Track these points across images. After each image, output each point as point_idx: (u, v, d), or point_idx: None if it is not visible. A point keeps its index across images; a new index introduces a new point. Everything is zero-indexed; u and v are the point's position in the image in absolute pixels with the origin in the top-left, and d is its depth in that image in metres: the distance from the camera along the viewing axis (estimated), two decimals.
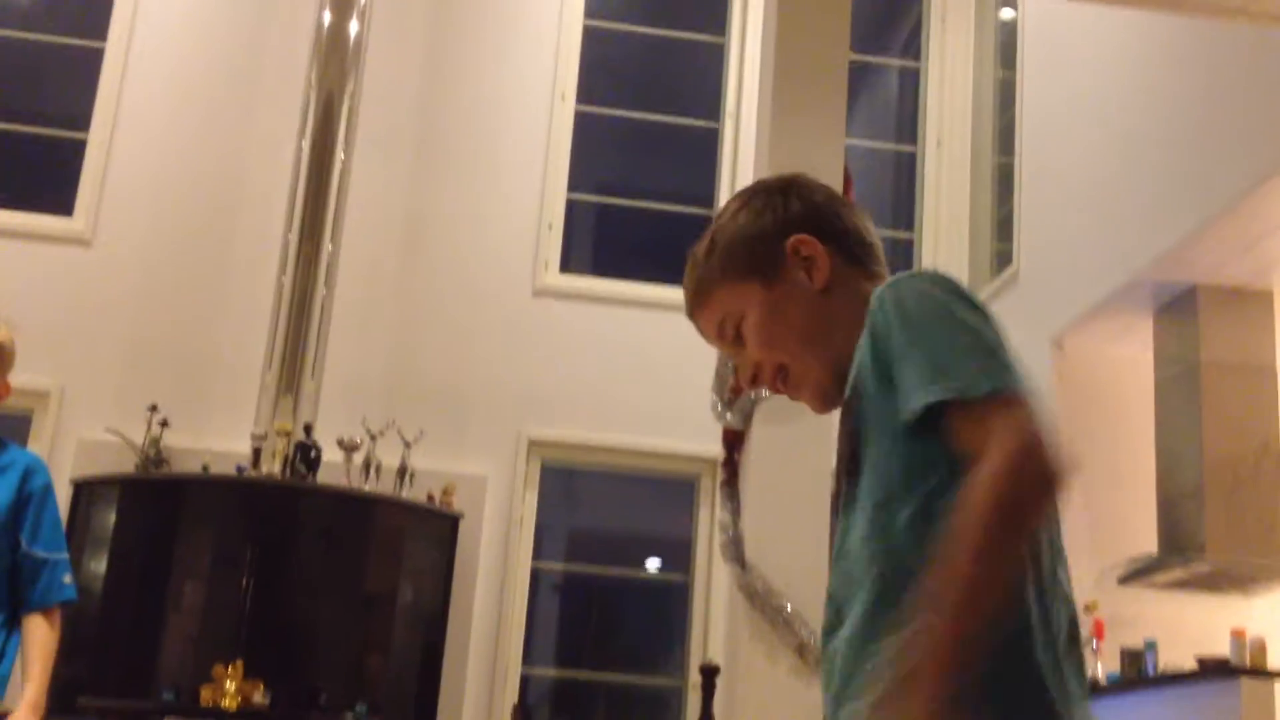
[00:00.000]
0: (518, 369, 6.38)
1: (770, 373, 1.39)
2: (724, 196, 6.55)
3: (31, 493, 2.53)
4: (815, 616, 2.96)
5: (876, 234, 1.44)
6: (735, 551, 3.01)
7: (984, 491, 1.15)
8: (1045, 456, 1.16)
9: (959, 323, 1.24)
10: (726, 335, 1.41)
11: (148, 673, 5.00)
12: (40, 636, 2.47)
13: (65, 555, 2.52)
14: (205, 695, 4.74)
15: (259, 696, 4.83)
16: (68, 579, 2.52)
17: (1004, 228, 6.55)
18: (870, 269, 1.41)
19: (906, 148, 7.20)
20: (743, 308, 1.39)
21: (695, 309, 1.44)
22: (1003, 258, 6.50)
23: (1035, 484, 1.16)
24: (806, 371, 1.39)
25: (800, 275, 1.38)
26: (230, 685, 4.77)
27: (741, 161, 6.64)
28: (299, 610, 5.46)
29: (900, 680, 1.15)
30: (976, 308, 1.26)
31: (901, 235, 7.03)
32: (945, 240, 6.87)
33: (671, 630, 6.67)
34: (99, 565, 5.00)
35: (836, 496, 1.33)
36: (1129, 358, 5.46)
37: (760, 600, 2.95)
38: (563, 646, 6.90)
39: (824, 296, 1.38)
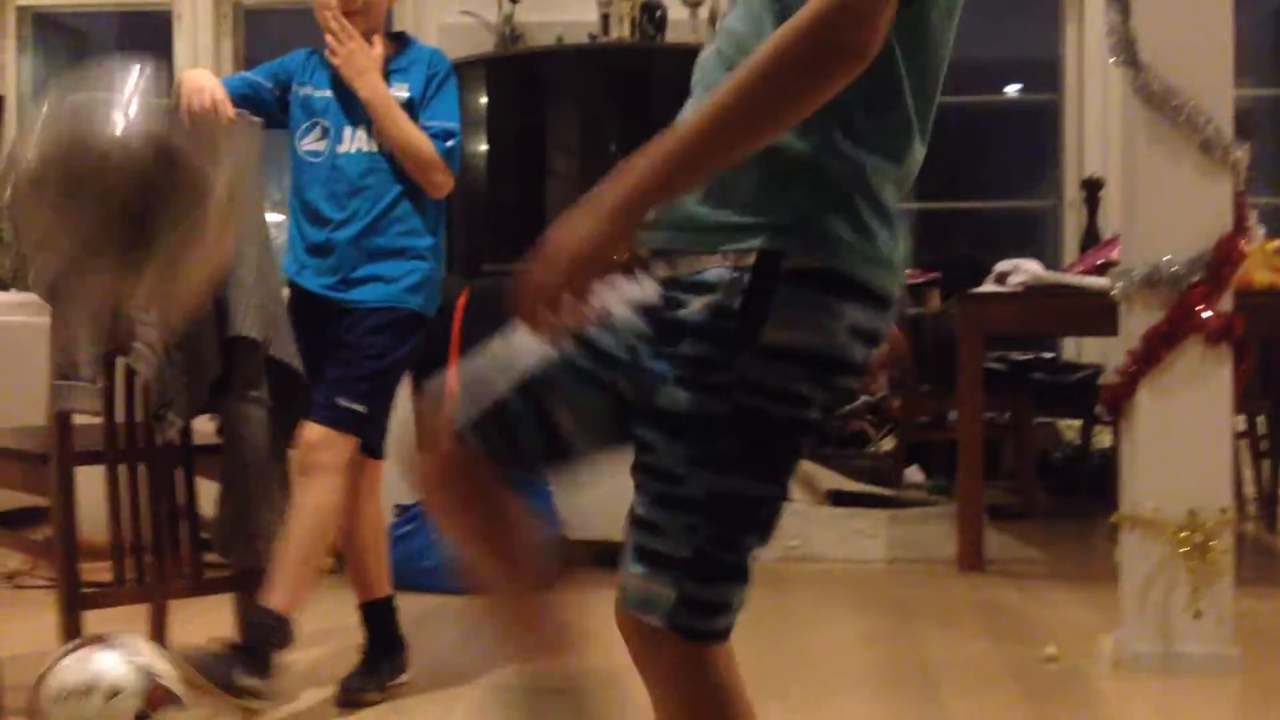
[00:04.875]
0: None
1: None
2: None
3: (434, 80, 2.67)
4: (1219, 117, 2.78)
5: None
6: (1127, 53, 2.82)
7: (779, 39, 1.13)
8: (849, 26, 1.11)
9: None
10: None
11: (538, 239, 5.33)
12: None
13: (457, 130, 2.63)
14: None
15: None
16: (450, 144, 2.64)
17: None
18: None
19: None
20: None
21: None
22: None
23: (825, 50, 1.12)
24: None
25: None
26: None
27: None
28: None
29: (609, 185, 1.17)
30: None
31: None
32: None
33: (1038, 154, 6.51)
34: (479, 144, 5.26)
35: None
36: None
37: (1158, 100, 2.78)
38: (924, 180, 6.87)
39: None
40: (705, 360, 1.22)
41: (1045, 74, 6.32)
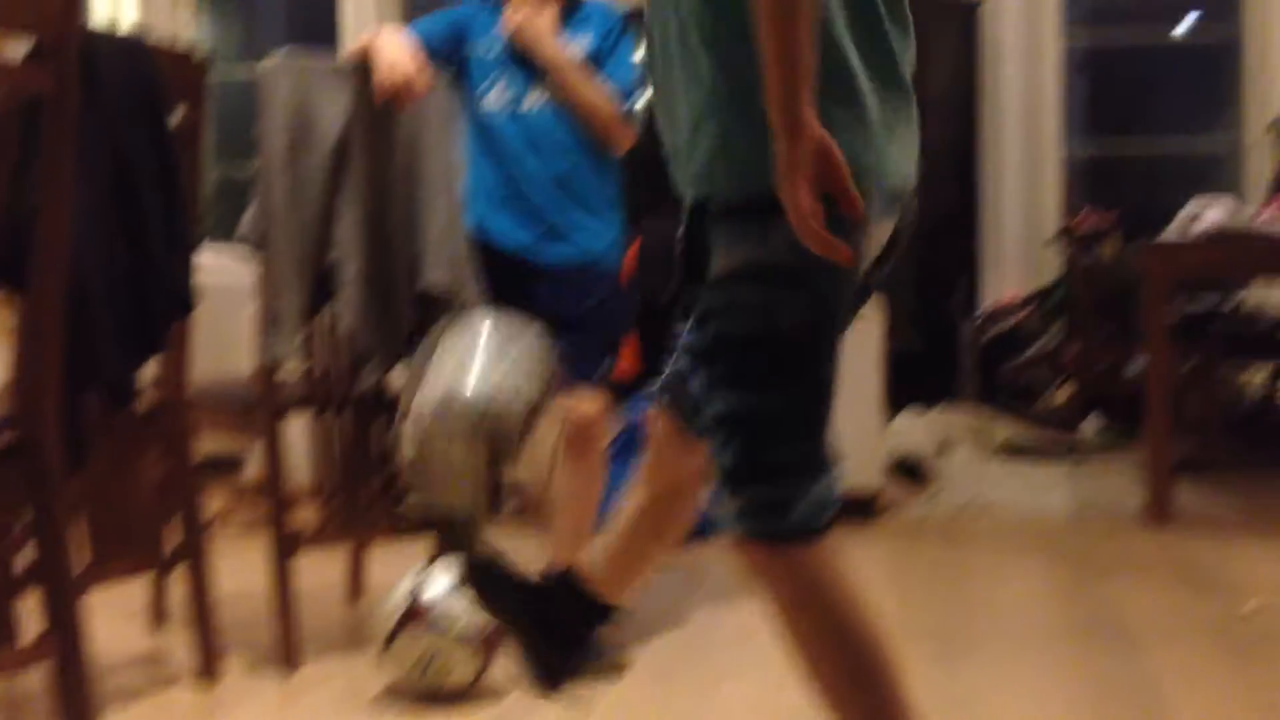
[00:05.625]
0: None
1: None
2: None
3: (610, 35, 2.67)
4: None
5: None
6: None
7: None
8: None
9: None
10: None
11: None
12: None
13: (635, 86, 2.63)
14: None
15: None
16: (630, 101, 2.64)
17: None
18: None
19: None
20: None
21: None
22: None
23: None
24: None
25: None
26: None
27: None
28: None
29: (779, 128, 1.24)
30: None
31: None
32: None
33: (1216, 93, 6.24)
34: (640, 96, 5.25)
35: None
36: None
37: None
38: (1096, 123, 6.64)
39: None
40: (699, 301, 1.40)
41: (1223, 5, 6.05)
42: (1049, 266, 6.34)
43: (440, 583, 2.24)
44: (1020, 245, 6.26)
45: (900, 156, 1.40)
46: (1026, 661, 2.52)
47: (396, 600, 2.25)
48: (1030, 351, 5.66)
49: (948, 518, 4.02)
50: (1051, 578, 3.25)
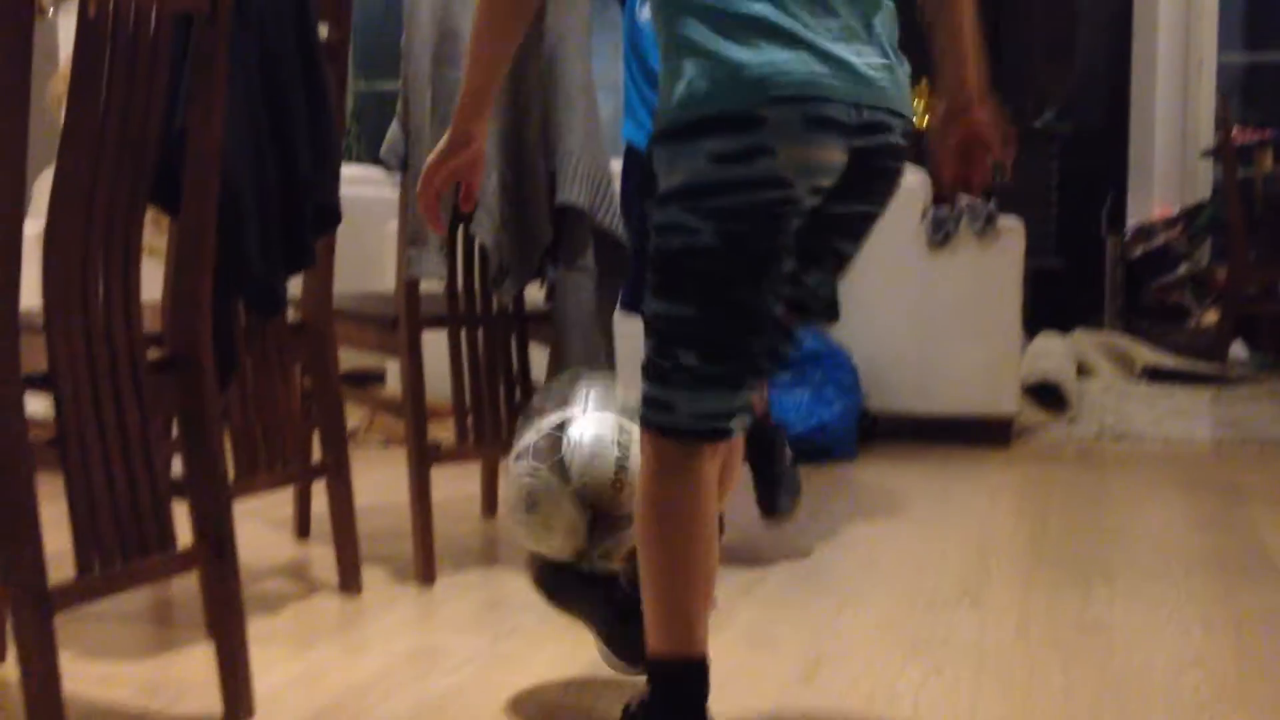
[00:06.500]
0: None
1: None
2: None
3: None
4: None
5: None
6: None
7: None
8: None
9: None
10: None
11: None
12: None
13: None
14: None
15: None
16: None
17: None
18: None
19: None
20: None
21: None
22: None
23: None
24: None
25: None
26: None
27: None
28: None
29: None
30: None
31: None
32: None
33: None
34: None
35: None
36: None
37: None
38: (1253, 29, 6.34)
39: None
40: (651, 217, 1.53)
41: None
42: (1201, 182, 6.11)
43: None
44: (1171, 160, 6.04)
45: (827, 69, 1.44)
46: (1165, 590, 2.47)
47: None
48: (1178, 271, 5.49)
49: (1086, 443, 3.94)
50: (1192, 506, 3.18)
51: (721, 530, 1.94)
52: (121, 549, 1.66)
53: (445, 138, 1.69)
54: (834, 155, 1.46)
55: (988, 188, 1.72)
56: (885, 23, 1.52)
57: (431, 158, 1.70)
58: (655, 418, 1.52)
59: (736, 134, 1.42)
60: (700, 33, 1.43)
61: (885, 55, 1.50)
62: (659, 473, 1.53)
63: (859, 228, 1.59)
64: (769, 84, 1.41)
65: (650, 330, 1.53)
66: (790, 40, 1.42)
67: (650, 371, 1.53)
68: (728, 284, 1.47)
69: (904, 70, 1.53)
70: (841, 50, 1.45)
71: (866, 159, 1.49)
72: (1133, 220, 5.91)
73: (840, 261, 1.60)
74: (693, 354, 1.49)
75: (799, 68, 1.42)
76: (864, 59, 1.47)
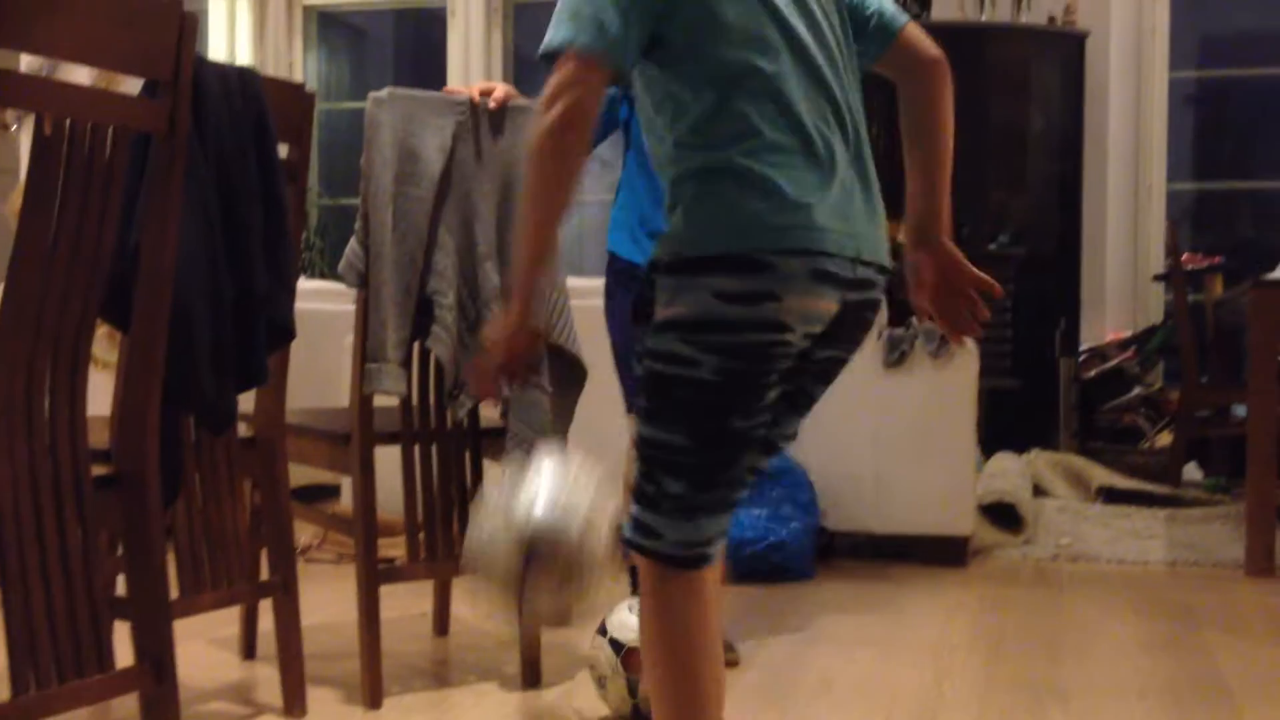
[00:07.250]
0: None
1: None
2: None
3: None
4: None
5: None
6: None
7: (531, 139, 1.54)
8: (560, 112, 1.48)
9: None
10: None
11: None
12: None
13: None
14: None
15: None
16: None
17: None
18: None
19: None
20: None
21: None
22: None
23: (552, 133, 1.49)
24: None
25: None
26: None
27: None
28: None
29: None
30: None
31: None
32: None
33: None
34: None
35: None
36: None
37: None
38: (1201, 160, 6.51)
39: None
40: (643, 341, 1.59)
41: None
42: (1153, 307, 6.21)
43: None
44: (1123, 284, 6.15)
45: (830, 228, 1.52)
46: (1120, 713, 2.45)
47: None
48: (1132, 393, 5.55)
49: (1042, 563, 3.95)
50: (1147, 628, 3.17)
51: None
52: (58, 669, 1.63)
53: (515, 319, 1.57)
54: (830, 306, 1.55)
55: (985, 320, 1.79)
56: (871, 158, 1.62)
57: (504, 334, 1.58)
58: (641, 542, 1.58)
59: (744, 276, 1.49)
60: (716, 176, 1.51)
61: (875, 202, 1.60)
62: (656, 588, 1.58)
63: (833, 371, 1.68)
64: (782, 235, 1.49)
65: (640, 455, 1.58)
66: (800, 192, 1.50)
67: (640, 496, 1.58)
68: (720, 414, 1.53)
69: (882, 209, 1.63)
70: (844, 207, 1.54)
71: (854, 310, 1.59)
72: (1086, 342, 5.99)
73: (810, 403, 1.68)
74: (682, 483, 1.55)
75: (807, 222, 1.50)
76: (862, 214, 1.57)
